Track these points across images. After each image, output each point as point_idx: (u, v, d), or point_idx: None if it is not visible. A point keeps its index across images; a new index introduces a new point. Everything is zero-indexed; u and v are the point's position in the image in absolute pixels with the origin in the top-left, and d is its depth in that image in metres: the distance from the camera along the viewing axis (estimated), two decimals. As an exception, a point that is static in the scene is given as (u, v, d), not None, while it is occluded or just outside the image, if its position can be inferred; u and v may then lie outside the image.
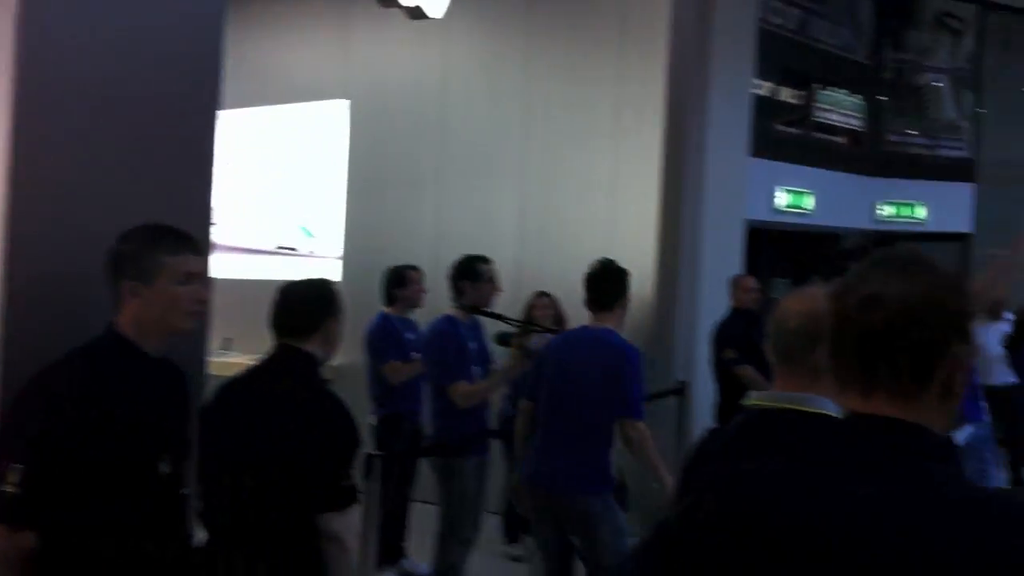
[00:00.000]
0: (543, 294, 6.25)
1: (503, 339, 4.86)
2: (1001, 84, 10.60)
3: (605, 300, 4.18)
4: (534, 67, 7.32)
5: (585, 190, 7.10)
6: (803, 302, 2.11)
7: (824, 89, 8.88)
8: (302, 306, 2.91)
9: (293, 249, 8.48)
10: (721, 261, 7.38)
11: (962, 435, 5.32)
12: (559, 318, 6.01)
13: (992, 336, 7.69)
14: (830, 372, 1.39)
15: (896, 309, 1.34)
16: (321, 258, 8.29)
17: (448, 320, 4.99)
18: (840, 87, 9.04)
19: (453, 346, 4.86)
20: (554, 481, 4.09)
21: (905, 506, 1.23)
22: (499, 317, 4.93)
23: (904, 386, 1.33)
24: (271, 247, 8.60)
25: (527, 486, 4.18)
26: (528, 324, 4.90)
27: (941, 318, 1.35)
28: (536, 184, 7.32)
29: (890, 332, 1.33)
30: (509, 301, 5.42)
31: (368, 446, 5.54)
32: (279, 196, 8.60)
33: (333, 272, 8.08)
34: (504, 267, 5.49)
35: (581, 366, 4.11)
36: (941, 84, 9.93)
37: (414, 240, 7.59)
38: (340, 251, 8.17)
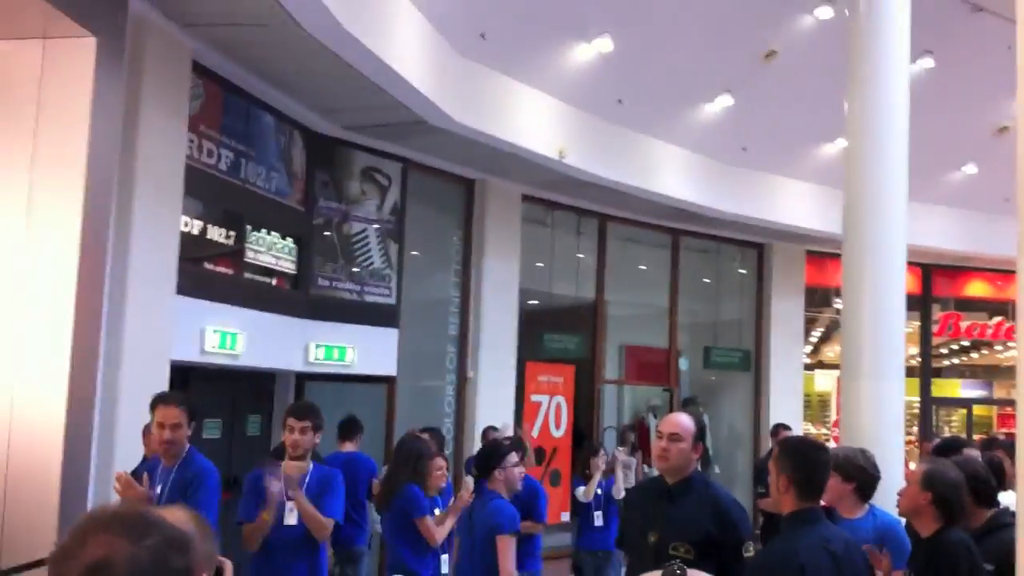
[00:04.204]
0: None
1: None
2: (420, 233, 11.46)
3: None
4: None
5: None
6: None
7: (256, 231, 8.91)
8: None
9: None
10: (142, 405, 6.93)
11: None
12: None
13: None
14: None
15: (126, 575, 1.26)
16: None
17: None
18: (273, 230, 9.13)
19: None
20: None
21: None
22: None
23: None
24: None
25: None
26: None
27: None
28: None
29: None
30: None
31: None
32: None
33: None
34: None
35: None
36: (369, 233, 10.47)
37: None
38: None
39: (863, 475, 4.77)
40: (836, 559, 3.66)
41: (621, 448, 10.03)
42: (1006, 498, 4.75)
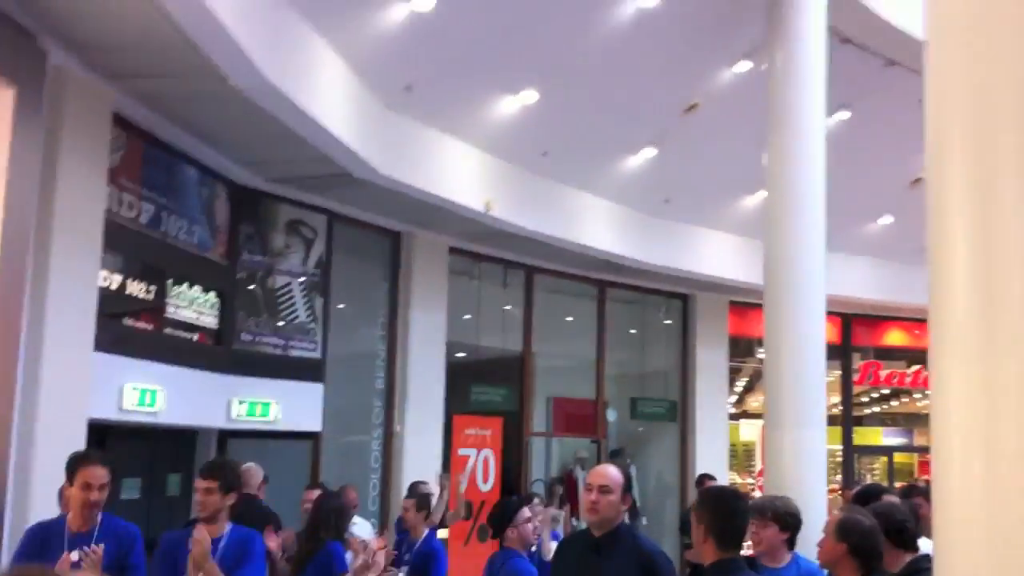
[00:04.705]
0: None
1: None
2: (346, 286, 11.37)
3: None
4: None
5: None
6: None
7: (178, 285, 8.75)
8: None
9: None
10: (59, 464, 6.70)
11: None
12: None
13: None
14: None
15: None
16: None
17: None
18: (194, 284, 8.98)
19: None
20: None
21: None
22: None
23: None
24: None
25: None
26: None
27: None
28: None
29: None
30: None
31: None
32: None
33: None
34: None
35: None
36: (293, 287, 10.36)
37: None
38: None
39: (797, 523, 4.80)
40: (759, 609, 3.67)
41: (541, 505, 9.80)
42: (926, 544, 4.82)
